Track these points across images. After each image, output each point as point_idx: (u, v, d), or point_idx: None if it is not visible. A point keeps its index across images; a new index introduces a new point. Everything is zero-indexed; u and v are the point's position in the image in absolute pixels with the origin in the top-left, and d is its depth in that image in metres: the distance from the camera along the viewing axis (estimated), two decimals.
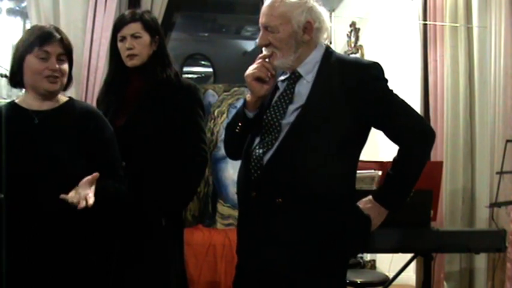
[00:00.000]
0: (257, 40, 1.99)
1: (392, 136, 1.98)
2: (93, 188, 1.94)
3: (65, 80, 2.12)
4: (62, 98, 2.16)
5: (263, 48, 2.00)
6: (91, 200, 1.90)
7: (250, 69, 1.98)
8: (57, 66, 2.06)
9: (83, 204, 1.88)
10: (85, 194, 1.91)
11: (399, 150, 1.99)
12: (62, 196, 1.90)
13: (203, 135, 2.52)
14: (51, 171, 2.00)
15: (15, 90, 4.99)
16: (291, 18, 1.93)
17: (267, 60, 1.97)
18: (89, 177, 1.95)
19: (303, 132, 1.92)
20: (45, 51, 2.04)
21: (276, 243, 1.90)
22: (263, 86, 1.97)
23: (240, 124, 2.03)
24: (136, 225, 2.36)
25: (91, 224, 2.07)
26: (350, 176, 2.00)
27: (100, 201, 1.96)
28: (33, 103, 2.10)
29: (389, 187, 2.00)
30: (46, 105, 2.10)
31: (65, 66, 2.10)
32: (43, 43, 2.04)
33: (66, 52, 2.10)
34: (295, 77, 1.99)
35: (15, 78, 2.09)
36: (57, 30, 2.11)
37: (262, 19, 1.97)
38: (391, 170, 1.99)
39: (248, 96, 2.01)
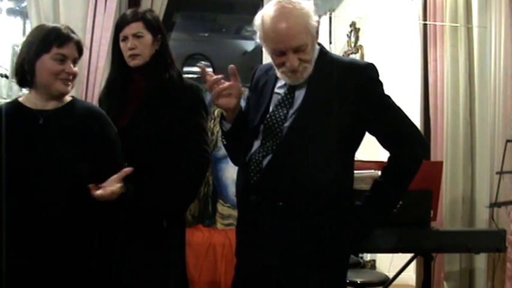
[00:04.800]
0: (287, 65, 1.87)
1: (384, 143, 1.98)
2: (118, 185, 2.01)
3: (75, 82, 2.13)
4: (66, 97, 2.15)
5: (282, 68, 1.91)
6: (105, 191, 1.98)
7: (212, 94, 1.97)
8: (73, 69, 2.07)
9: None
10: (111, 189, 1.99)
11: (389, 159, 1.97)
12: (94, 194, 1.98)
13: (205, 136, 2.52)
14: (55, 171, 2.00)
15: (15, 90, 5.01)
16: (310, 28, 1.88)
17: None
18: (121, 173, 2.03)
19: (300, 134, 1.91)
20: (62, 54, 2.04)
21: (278, 246, 1.90)
22: (230, 99, 1.96)
23: (223, 136, 2.06)
24: (137, 226, 2.36)
25: (92, 225, 2.07)
26: (349, 176, 2.00)
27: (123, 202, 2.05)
28: (37, 103, 2.09)
29: (374, 199, 1.97)
30: (50, 105, 2.10)
31: (77, 69, 2.11)
32: (61, 45, 2.04)
33: (79, 55, 2.11)
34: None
35: (25, 77, 2.08)
36: (73, 31, 2.11)
37: (289, 42, 1.84)
38: (380, 179, 1.99)
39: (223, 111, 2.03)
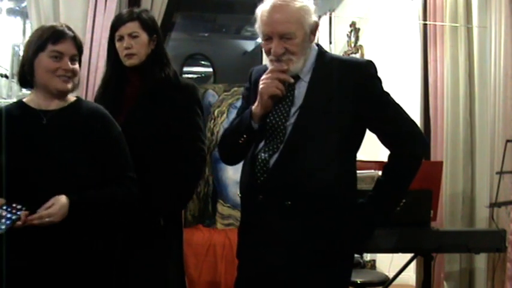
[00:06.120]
0: (272, 51, 1.90)
1: (384, 142, 1.99)
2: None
3: (77, 80, 2.11)
4: (70, 97, 2.15)
5: (270, 57, 1.93)
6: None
7: (267, 85, 1.90)
8: (70, 66, 2.06)
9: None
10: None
11: (389, 158, 1.99)
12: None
13: (201, 134, 2.52)
14: (57, 171, 2.00)
15: (15, 90, 5.02)
16: (304, 23, 1.90)
17: (285, 72, 1.91)
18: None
19: (305, 133, 1.92)
20: (58, 51, 2.04)
21: (285, 246, 1.89)
22: (272, 102, 1.94)
23: (244, 136, 1.98)
24: (135, 226, 2.36)
25: (93, 226, 2.06)
26: (352, 175, 2.01)
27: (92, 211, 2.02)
28: (41, 103, 2.09)
29: (376, 199, 1.98)
30: (54, 105, 2.10)
31: (77, 67, 2.10)
32: (56, 42, 2.04)
33: (78, 52, 2.10)
34: (294, 79, 1.98)
35: (25, 77, 2.08)
36: (69, 28, 2.11)
37: (275, 28, 1.88)
38: (381, 178, 2.00)
39: (256, 108, 1.95)
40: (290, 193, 1.89)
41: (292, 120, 1.93)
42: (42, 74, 2.05)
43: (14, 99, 3.39)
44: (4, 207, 1.88)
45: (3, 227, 1.84)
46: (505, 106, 3.35)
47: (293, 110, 1.95)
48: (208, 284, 4.32)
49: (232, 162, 2.14)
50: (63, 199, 1.94)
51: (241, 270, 2.05)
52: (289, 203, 1.89)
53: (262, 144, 1.97)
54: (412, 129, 1.99)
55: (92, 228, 2.07)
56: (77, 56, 2.10)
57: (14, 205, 1.89)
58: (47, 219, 1.91)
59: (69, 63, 2.06)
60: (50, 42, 2.03)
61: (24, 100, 2.15)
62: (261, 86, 1.92)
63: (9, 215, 1.87)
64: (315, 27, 1.95)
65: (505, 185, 3.21)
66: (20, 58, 2.16)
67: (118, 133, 2.17)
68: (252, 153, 1.99)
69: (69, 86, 2.08)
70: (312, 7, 1.93)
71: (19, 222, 1.87)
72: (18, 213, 1.87)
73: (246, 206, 2.05)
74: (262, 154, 1.94)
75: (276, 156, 1.92)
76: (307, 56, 1.96)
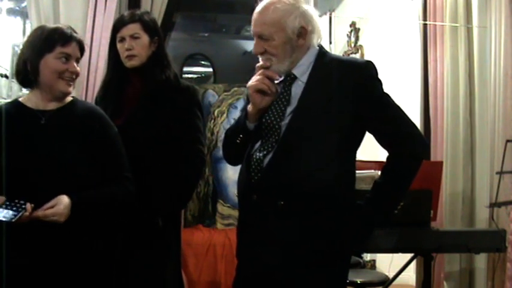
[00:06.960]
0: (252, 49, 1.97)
1: (383, 142, 1.98)
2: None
3: (76, 82, 2.14)
4: (67, 97, 2.16)
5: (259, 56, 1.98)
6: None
7: (253, 81, 1.96)
8: (76, 68, 2.09)
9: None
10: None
11: (388, 159, 1.98)
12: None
13: (200, 136, 2.53)
14: (57, 170, 2.00)
15: (15, 90, 5.02)
16: (285, 26, 1.91)
17: (268, 69, 1.95)
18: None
19: (299, 134, 1.91)
20: (66, 53, 2.06)
21: (279, 246, 1.90)
22: (264, 97, 1.95)
23: (241, 136, 2.01)
24: (135, 226, 2.36)
25: (93, 226, 2.07)
26: (350, 176, 2.00)
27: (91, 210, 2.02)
28: (39, 103, 2.10)
29: (375, 200, 1.97)
30: (51, 105, 2.10)
31: (79, 69, 2.12)
32: (65, 44, 2.06)
33: (81, 55, 2.13)
34: (290, 79, 1.98)
35: (28, 77, 2.08)
36: (75, 31, 2.13)
37: (254, 28, 1.95)
38: (380, 179, 1.99)
39: (249, 107, 1.98)
40: (283, 193, 1.89)
41: (287, 120, 1.93)
42: (49, 75, 2.05)
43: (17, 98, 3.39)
44: (7, 203, 1.91)
45: (12, 217, 1.87)
46: (505, 106, 3.35)
47: (289, 110, 1.95)
48: (208, 284, 4.32)
49: (235, 162, 2.14)
50: (65, 199, 1.95)
51: (239, 269, 2.06)
52: (282, 202, 1.88)
53: (258, 143, 1.98)
54: (412, 130, 1.99)
55: (92, 228, 2.07)
56: (80, 59, 2.13)
57: (16, 201, 1.92)
58: (51, 218, 1.92)
59: (75, 65, 2.09)
60: (59, 44, 2.05)
61: (20, 100, 2.15)
62: (248, 83, 1.96)
63: (15, 208, 1.90)
64: (303, 31, 1.94)
65: (505, 185, 3.21)
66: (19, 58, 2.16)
67: (115, 133, 2.18)
68: (248, 152, 2.00)
69: (71, 88, 2.11)
70: (300, 11, 1.93)
71: (26, 213, 1.89)
72: (24, 206, 1.90)
73: (242, 206, 2.06)
74: (257, 153, 1.95)
75: (270, 155, 1.92)
76: (295, 59, 1.96)
